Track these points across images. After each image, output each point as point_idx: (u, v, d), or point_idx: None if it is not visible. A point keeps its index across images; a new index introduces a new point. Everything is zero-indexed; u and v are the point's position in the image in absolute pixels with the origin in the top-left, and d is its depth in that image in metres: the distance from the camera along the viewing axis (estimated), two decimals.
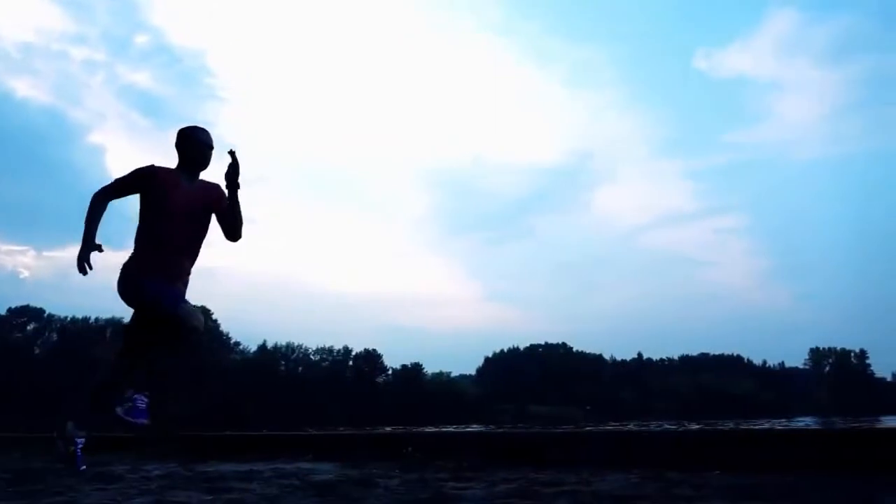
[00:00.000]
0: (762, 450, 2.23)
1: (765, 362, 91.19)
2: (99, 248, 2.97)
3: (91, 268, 2.95)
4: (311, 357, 78.16)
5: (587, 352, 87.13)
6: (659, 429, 2.80)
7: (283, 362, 75.54)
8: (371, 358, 79.60)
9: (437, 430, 6.24)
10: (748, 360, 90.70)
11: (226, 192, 3.17)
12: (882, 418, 37.53)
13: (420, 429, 13.64)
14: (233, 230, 3.23)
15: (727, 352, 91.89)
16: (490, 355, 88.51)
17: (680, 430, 2.53)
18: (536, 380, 77.91)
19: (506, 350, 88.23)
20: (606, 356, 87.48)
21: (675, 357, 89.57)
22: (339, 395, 68.24)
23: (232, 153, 3.13)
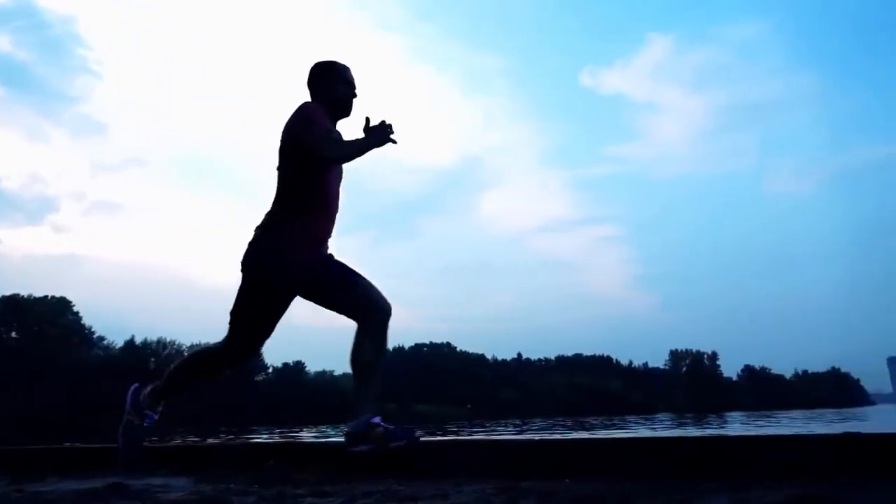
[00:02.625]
0: (610, 458, 2.35)
1: (631, 363, 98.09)
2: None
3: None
4: (186, 354, 74.04)
5: (470, 351, 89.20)
6: (521, 438, 2.87)
7: (153, 359, 70.77)
8: None
9: (301, 439, 6.11)
10: (617, 360, 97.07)
11: None
12: (728, 415, 41.62)
13: (286, 437, 13.19)
14: None
15: (599, 353, 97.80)
16: None
17: (537, 439, 2.65)
18: (421, 379, 78.60)
19: (391, 349, 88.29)
20: (488, 356, 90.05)
21: (553, 357, 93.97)
22: (215, 395, 65.06)
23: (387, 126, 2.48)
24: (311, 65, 2.56)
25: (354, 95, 2.53)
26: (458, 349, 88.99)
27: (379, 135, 2.32)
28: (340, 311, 2.39)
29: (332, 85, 2.52)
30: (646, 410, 69.96)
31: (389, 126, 2.32)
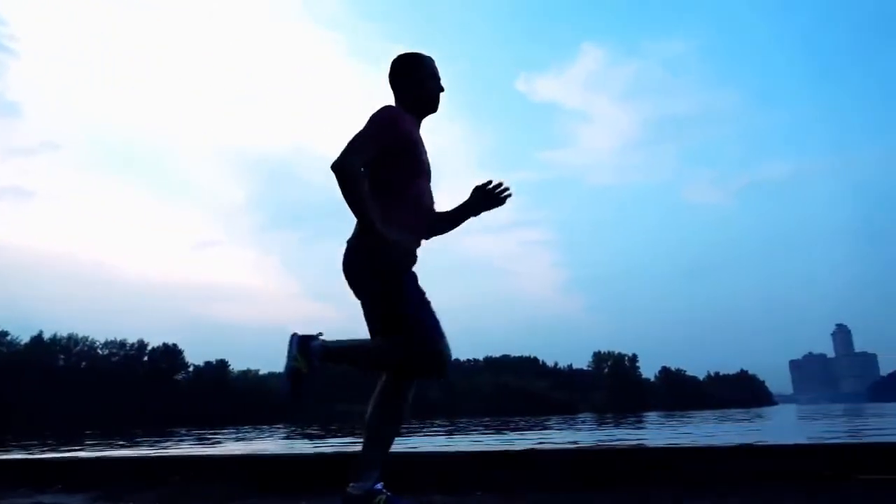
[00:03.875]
0: (523, 469, 2.38)
1: (556, 364, 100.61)
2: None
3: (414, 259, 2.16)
4: (99, 351, 70.13)
5: None
6: (436, 450, 2.84)
7: (62, 356, 66.67)
8: (170, 353, 73.55)
9: (205, 452, 5.87)
10: (543, 361, 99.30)
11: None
12: (645, 414, 43.45)
13: (205, 441, 12.71)
14: (431, 232, 2.42)
15: (526, 354, 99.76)
16: None
17: (453, 451, 2.66)
18: (347, 378, 77.68)
19: None
20: None
21: (481, 358, 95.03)
22: (131, 395, 61.97)
23: (503, 189, 2.37)
24: (395, 57, 2.36)
25: (442, 90, 2.36)
26: None
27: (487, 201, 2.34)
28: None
29: (421, 79, 2.32)
30: (568, 410, 71.92)
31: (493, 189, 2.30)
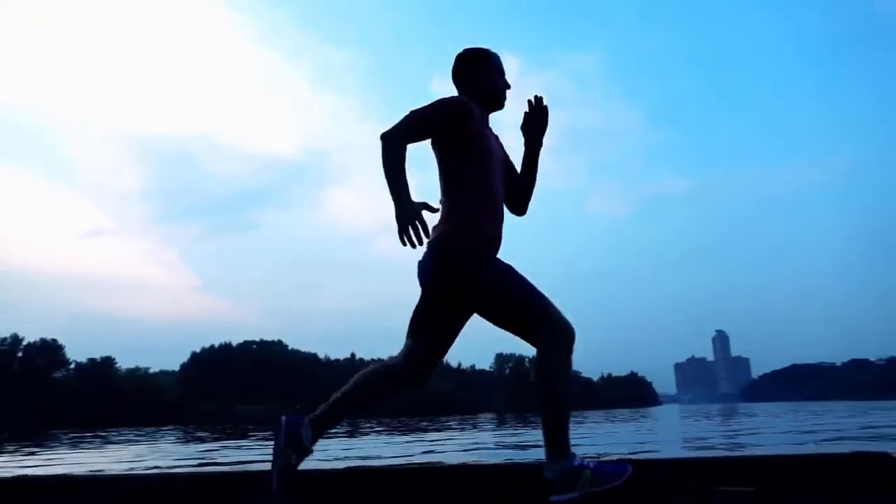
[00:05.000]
0: (382, 484, 2.34)
1: (460, 364, 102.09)
2: (428, 207, 1.99)
3: (427, 235, 1.95)
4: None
5: (302, 350, 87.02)
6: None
7: None
8: (48, 349, 67.90)
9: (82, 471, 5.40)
10: (447, 362, 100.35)
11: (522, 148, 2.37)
12: None
13: (86, 443, 11.77)
14: (523, 199, 2.37)
15: None
16: (198, 350, 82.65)
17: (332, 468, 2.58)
18: (248, 378, 74.99)
19: (216, 346, 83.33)
20: (321, 355, 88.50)
21: (385, 358, 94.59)
22: (3, 394, 56.54)
23: (539, 100, 2.32)
24: (462, 51, 2.30)
25: (509, 87, 2.29)
26: (289, 347, 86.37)
27: (406, 219, 1.98)
28: (519, 333, 2.08)
29: (490, 75, 2.26)
30: (470, 411, 73.12)
31: (421, 229, 2.04)
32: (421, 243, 1.94)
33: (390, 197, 1.96)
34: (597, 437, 10.28)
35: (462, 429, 17.52)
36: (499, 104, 2.27)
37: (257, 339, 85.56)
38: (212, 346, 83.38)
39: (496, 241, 2.13)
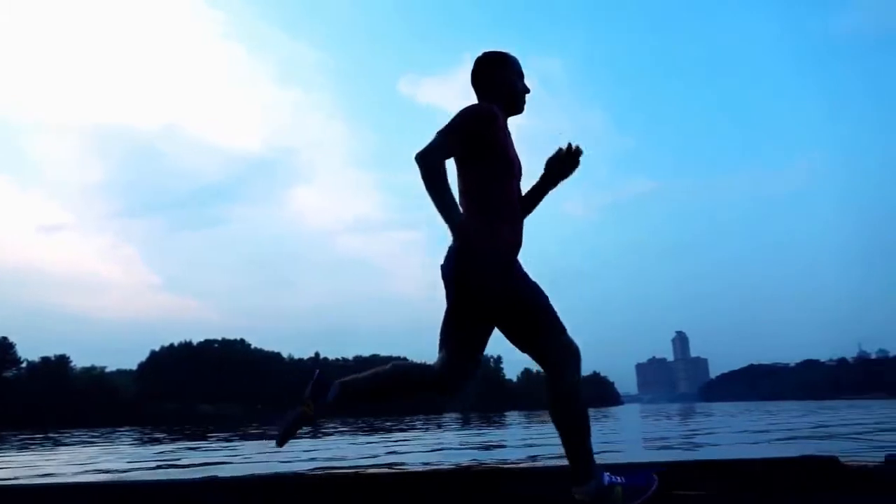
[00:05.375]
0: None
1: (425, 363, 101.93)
2: None
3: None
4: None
5: (266, 349, 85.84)
6: (241, 476, 2.64)
7: None
8: None
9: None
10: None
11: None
12: (507, 414, 45.18)
13: (34, 447, 11.41)
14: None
15: (395, 353, 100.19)
16: (157, 349, 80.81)
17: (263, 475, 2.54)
18: (209, 377, 73.64)
19: (176, 344, 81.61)
20: (284, 354, 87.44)
21: (350, 357, 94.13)
22: None
23: (577, 149, 2.23)
24: (482, 55, 2.27)
25: (528, 90, 2.26)
26: (252, 346, 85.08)
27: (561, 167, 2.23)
28: (528, 348, 2.09)
29: (510, 78, 2.23)
30: (435, 410, 73.09)
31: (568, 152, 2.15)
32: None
33: (439, 215, 1.96)
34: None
35: (426, 429, 17.52)
36: (518, 108, 2.25)
37: (219, 338, 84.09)
38: (171, 345, 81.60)
39: (517, 249, 2.12)
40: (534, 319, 2.04)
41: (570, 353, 2.03)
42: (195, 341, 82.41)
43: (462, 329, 2.06)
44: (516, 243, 2.11)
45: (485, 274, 1.98)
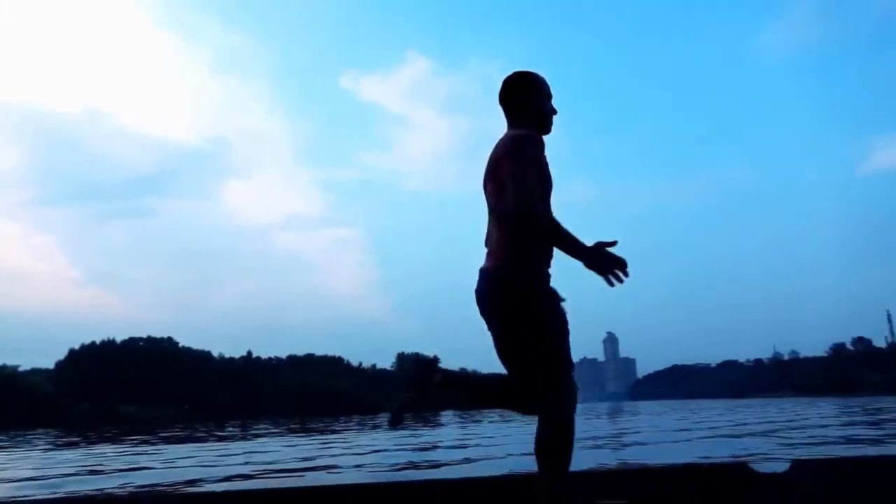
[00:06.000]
0: None
1: (361, 364, 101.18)
2: (604, 245, 1.98)
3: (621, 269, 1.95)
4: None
5: (195, 348, 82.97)
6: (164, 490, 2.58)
7: None
8: None
9: None
10: (348, 361, 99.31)
11: None
12: (443, 413, 45.40)
13: None
14: None
15: (331, 353, 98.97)
16: (77, 347, 76.75)
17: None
18: (133, 377, 70.51)
19: (98, 342, 77.78)
20: (215, 353, 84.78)
21: (284, 357, 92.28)
22: None
23: (622, 266, 2.01)
24: (514, 75, 2.25)
25: (556, 111, 2.26)
26: (180, 345, 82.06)
27: (603, 263, 1.99)
28: (527, 373, 2.04)
29: (541, 100, 2.22)
30: (371, 410, 72.69)
31: (623, 264, 1.99)
32: (626, 276, 1.99)
33: (572, 256, 2.02)
34: (499, 438, 10.52)
35: (361, 430, 17.40)
36: (547, 129, 2.24)
37: (144, 336, 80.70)
38: (93, 343, 77.65)
39: (549, 265, 2.15)
40: (553, 349, 2.10)
41: (574, 395, 2.14)
42: (119, 339, 78.85)
43: (509, 348, 2.11)
44: (551, 264, 2.15)
45: (526, 295, 2.02)
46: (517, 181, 1.96)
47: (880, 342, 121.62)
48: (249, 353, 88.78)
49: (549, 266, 2.11)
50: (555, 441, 1.95)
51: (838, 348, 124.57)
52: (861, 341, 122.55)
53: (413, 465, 6.11)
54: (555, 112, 2.25)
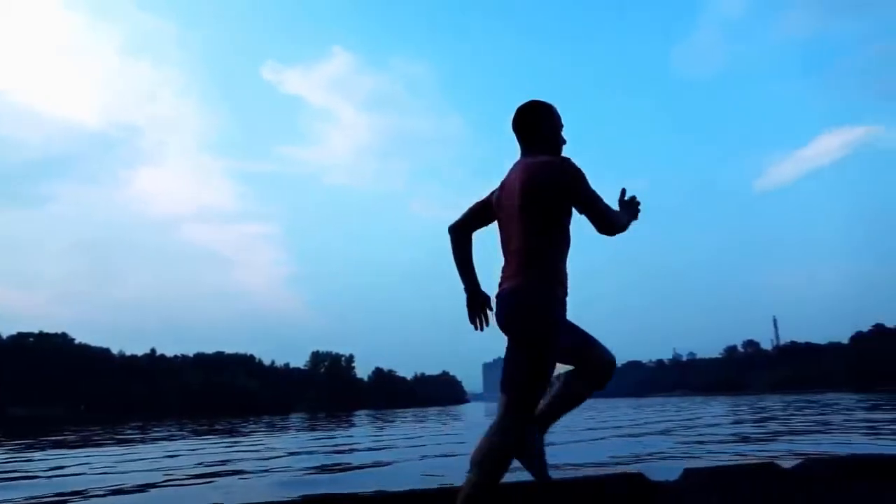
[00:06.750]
0: None
1: (273, 362, 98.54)
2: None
3: None
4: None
5: (92, 345, 77.86)
6: None
7: None
8: None
9: None
10: (259, 359, 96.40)
11: None
12: (357, 413, 44.89)
13: None
14: None
15: (242, 351, 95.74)
16: None
17: None
18: (23, 377, 65.25)
19: None
20: (115, 350, 79.95)
21: (191, 354, 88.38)
22: None
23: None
24: (533, 104, 2.33)
25: (566, 142, 2.38)
26: (76, 341, 76.70)
27: (634, 212, 2.33)
28: (573, 364, 2.33)
29: (556, 129, 2.34)
30: (283, 410, 70.88)
31: (638, 203, 2.36)
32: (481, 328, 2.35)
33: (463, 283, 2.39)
34: (413, 440, 10.56)
35: (270, 431, 16.97)
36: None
37: (35, 332, 74.80)
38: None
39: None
40: (575, 348, 2.34)
41: (605, 370, 2.38)
42: (5, 334, 72.69)
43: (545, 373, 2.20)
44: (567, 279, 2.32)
45: (550, 316, 2.12)
46: (601, 207, 2.17)
47: (767, 345, 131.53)
48: (153, 350, 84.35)
49: (566, 292, 2.21)
50: (501, 449, 2.05)
51: (731, 350, 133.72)
52: (751, 344, 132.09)
53: (327, 469, 6.04)
54: (565, 142, 2.37)
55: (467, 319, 2.36)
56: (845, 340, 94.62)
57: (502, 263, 2.25)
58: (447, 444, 9.00)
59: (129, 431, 20.90)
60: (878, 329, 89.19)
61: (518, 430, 2.09)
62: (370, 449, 8.65)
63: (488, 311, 2.32)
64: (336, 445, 9.78)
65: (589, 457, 5.82)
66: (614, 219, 2.19)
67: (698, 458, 5.69)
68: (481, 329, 2.34)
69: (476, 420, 20.83)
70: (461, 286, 2.39)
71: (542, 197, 2.14)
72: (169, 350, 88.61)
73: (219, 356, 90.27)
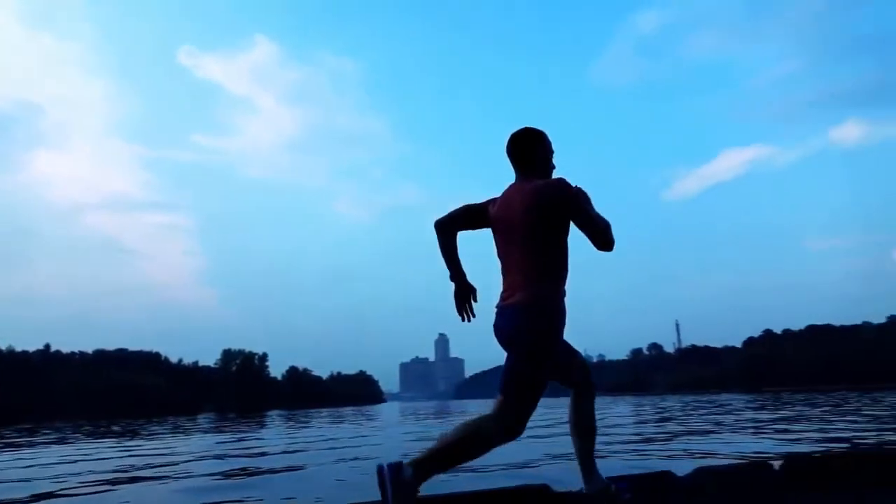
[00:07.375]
0: None
1: (181, 360, 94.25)
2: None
3: None
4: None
5: None
6: None
7: None
8: None
9: None
10: (166, 357, 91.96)
11: None
12: (269, 413, 43.69)
13: None
14: None
15: (147, 348, 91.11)
16: None
17: None
18: None
19: None
20: (3, 346, 73.93)
21: (90, 351, 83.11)
22: None
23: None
24: (522, 132, 2.43)
25: (555, 167, 2.49)
26: None
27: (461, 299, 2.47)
28: (559, 379, 2.48)
29: (547, 155, 2.45)
30: (191, 410, 67.88)
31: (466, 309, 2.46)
32: (468, 319, 2.46)
33: (450, 272, 2.48)
34: (329, 441, 10.40)
35: (175, 433, 16.24)
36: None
37: None
38: None
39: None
40: (565, 358, 2.50)
41: (590, 376, 2.60)
42: None
43: (542, 381, 2.29)
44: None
45: (551, 331, 2.24)
46: (598, 222, 2.27)
47: (669, 348, 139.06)
48: (48, 346, 78.63)
49: (565, 308, 2.32)
50: (476, 440, 2.22)
51: (637, 352, 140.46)
52: (655, 347, 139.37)
53: (244, 473, 5.85)
54: (554, 167, 2.48)
55: (455, 310, 2.43)
56: (739, 344, 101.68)
57: (501, 277, 2.35)
58: (364, 446, 8.94)
59: (15, 435, 19.38)
60: (767, 334, 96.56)
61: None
62: (283, 452, 8.45)
63: (473, 303, 2.43)
64: (246, 448, 9.48)
65: (498, 458, 5.92)
66: (611, 236, 2.30)
67: (605, 456, 5.94)
68: (468, 320, 2.42)
69: (392, 420, 20.79)
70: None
71: (546, 214, 2.24)
72: (65, 346, 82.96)
73: (121, 353, 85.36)
